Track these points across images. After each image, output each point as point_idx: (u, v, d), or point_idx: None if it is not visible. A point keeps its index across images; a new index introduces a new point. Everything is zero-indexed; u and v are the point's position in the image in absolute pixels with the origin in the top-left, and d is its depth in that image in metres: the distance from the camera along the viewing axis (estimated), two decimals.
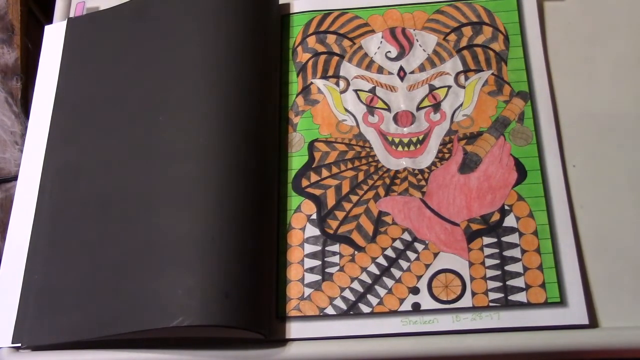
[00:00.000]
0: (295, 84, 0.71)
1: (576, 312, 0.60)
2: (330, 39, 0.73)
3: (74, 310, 0.62)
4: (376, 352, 0.60)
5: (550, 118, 0.67)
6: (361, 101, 0.70)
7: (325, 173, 0.67)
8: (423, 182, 0.66)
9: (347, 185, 0.66)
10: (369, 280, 0.63)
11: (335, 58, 0.72)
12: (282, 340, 0.61)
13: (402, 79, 0.70)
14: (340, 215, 0.65)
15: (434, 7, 0.73)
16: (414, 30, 0.72)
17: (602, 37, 0.72)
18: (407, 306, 0.61)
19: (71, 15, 0.79)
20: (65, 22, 0.76)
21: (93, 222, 0.65)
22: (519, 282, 0.61)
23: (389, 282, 0.62)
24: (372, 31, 0.73)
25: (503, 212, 0.64)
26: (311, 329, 0.61)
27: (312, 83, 0.71)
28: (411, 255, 0.63)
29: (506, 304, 0.60)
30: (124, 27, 0.73)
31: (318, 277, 0.63)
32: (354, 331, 0.61)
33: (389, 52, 0.72)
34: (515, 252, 0.62)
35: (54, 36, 0.76)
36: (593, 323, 0.60)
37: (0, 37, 0.91)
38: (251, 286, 0.60)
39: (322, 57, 0.72)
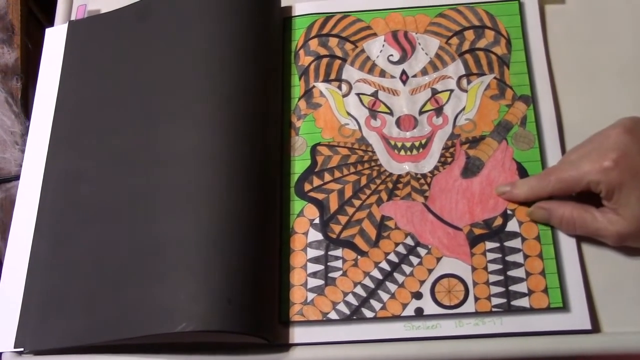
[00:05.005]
0: (297, 87, 0.71)
1: (578, 317, 0.60)
2: (333, 42, 0.73)
3: (76, 315, 0.62)
4: (379, 357, 0.60)
5: (552, 122, 0.67)
6: (363, 105, 0.70)
7: (327, 177, 0.67)
8: (426, 187, 0.66)
9: (350, 189, 0.66)
10: (372, 285, 0.63)
11: (338, 61, 0.72)
12: (285, 345, 0.61)
13: (404, 82, 0.70)
14: (343, 219, 0.65)
15: (436, 10, 0.73)
16: (416, 33, 0.72)
17: (604, 40, 0.72)
18: (410, 311, 0.61)
19: (72, 18, 0.78)
20: (66, 25, 0.76)
21: (95, 226, 0.65)
22: (521, 287, 0.61)
23: (391, 286, 0.62)
24: (375, 34, 0.73)
25: (505, 217, 0.64)
26: (314, 334, 0.61)
27: (314, 86, 0.71)
28: (414, 260, 0.63)
29: (509, 309, 0.60)
30: (126, 30, 0.73)
31: (321, 282, 0.63)
32: (357, 336, 0.61)
33: (391, 55, 0.72)
34: (518, 257, 0.62)
35: (55, 39, 0.76)
36: (595, 328, 0.60)
37: (0, 37, 0.91)
38: (254, 291, 0.60)
39: (324, 61, 0.72)
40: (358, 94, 0.70)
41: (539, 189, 0.63)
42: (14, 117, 0.88)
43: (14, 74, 0.91)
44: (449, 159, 0.67)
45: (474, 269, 0.62)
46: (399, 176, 0.67)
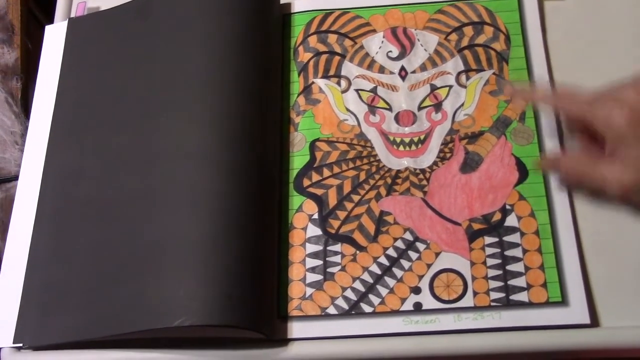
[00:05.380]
0: (296, 83, 0.71)
1: (577, 311, 0.60)
2: (332, 38, 0.73)
3: (76, 310, 0.62)
4: (378, 351, 0.60)
5: (551, 117, 0.67)
6: (362, 101, 0.70)
7: (326, 173, 0.67)
8: (424, 182, 0.66)
9: (349, 184, 0.66)
10: (370, 280, 0.63)
11: (337, 57, 0.72)
12: (283, 340, 0.61)
13: (403, 78, 0.70)
14: (341, 214, 0.65)
15: (435, 6, 0.73)
16: (415, 29, 0.72)
17: (603, 36, 0.72)
18: (408, 306, 0.61)
19: (72, 15, 0.78)
20: (66, 22, 0.76)
21: (95, 223, 0.65)
22: (520, 281, 0.61)
23: (390, 281, 0.62)
24: (374, 31, 0.73)
25: (504, 212, 0.64)
26: (313, 329, 0.61)
27: (313, 82, 0.71)
28: (413, 254, 0.63)
29: (507, 304, 0.60)
30: (125, 28, 0.73)
31: (320, 277, 0.63)
32: (356, 331, 0.61)
33: (390, 51, 0.72)
34: (517, 252, 0.62)
35: (54, 36, 0.76)
36: (594, 322, 0.60)
37: (0, 37, 0.91)
38: (253, 286, 0.60)
39: (324, 57, 0.72)
40: (357, 90, 0.70)
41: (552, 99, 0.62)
42: (14, 117, 0.88)
43: (14, 74, 0.90)
44: (448, 155, 0.67)
45: (472, 263, 0.62)
46: (398, 171, 0.67)
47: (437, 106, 0.69)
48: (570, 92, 0.62)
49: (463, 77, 0.70)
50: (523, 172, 0.65)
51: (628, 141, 0.57)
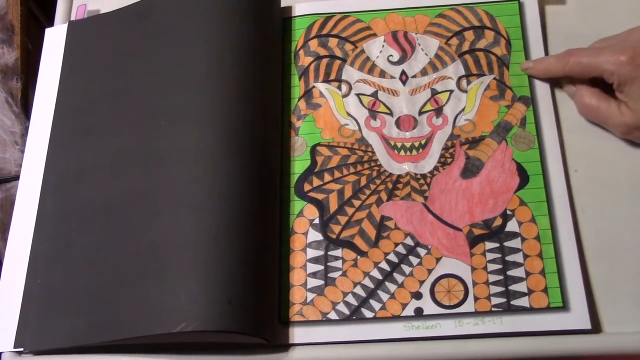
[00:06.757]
0: (297, 87, 0.71)
1: (578, 317, 0.60)
2: (332, 42, 0.73)
3: (76, 315, 0.62)
4: (378, 357, 0.60)
5: (552, 123, 0.67)
6: (363, 105, 0.70)
7: (327, 177, 0.67)
8: (425, 187, 0.66)
9: (350, 189, 0.66)
10: (371, 285, 0.63)
11: (337, 62, 0.72)
12: (284, 346, 0.61)
13: (404, 83, 0.70)
14: (342, 219, 0.65)
15: (436, 11, 0.73)
16: (415, 34, 0.72)
17: None
18: (409, 311, 0.61)
19: (72, 18, 0.78)
20: (66, 25, 0.76)
21: (95, 226, 0.65)
22: (521, 287, 0.61)
23: (391, 287, 0.62)
24: (374, 35, 0.73)
25: (505, 217, 0.64)
26: (314, 334, 0.61)
27: (314, 87, 0.71)
28: (414, 260, 0.63)
29: (508, 309, 0.60)
30: (126, 31, 0.73)
31: (321, 282, 0.63)
32: (357, 336, 0.61)
33: (391, 55, 0.72)
34: (518, 257, 0.62)
35: (54, 39, 0.76)
36: (595, 328, 0.60)
37: (0, 37, 0.91)
38: (254, 291, 0.60)
39: (324, 61, 0.72)
40: (358, 95, 0.70)
41: (556, 69, 0.67)
42: (14, 117, 0.87)
43: (14, 74, 0.90)
44: (449, 160, 0.67)
45: (473, 269, 0.62)
46: (399, 176, 0.67)
47: (438, 111, 0.69)
48: (578, 48, 0.67)
49: (464, 82, 0.70)
50: (524, 178, 0.65)
51: (633, 81, 0.62)
